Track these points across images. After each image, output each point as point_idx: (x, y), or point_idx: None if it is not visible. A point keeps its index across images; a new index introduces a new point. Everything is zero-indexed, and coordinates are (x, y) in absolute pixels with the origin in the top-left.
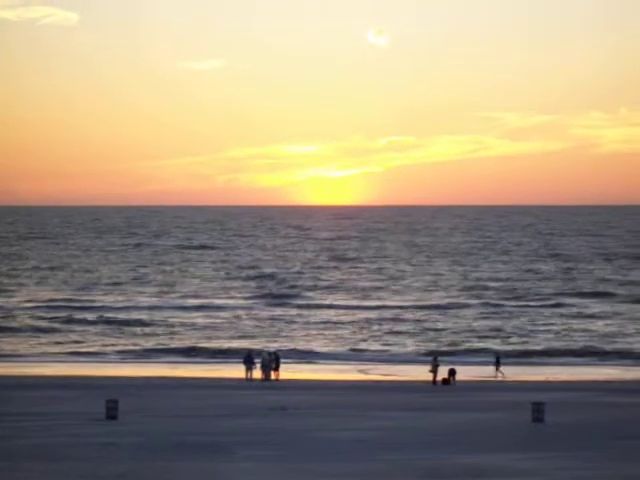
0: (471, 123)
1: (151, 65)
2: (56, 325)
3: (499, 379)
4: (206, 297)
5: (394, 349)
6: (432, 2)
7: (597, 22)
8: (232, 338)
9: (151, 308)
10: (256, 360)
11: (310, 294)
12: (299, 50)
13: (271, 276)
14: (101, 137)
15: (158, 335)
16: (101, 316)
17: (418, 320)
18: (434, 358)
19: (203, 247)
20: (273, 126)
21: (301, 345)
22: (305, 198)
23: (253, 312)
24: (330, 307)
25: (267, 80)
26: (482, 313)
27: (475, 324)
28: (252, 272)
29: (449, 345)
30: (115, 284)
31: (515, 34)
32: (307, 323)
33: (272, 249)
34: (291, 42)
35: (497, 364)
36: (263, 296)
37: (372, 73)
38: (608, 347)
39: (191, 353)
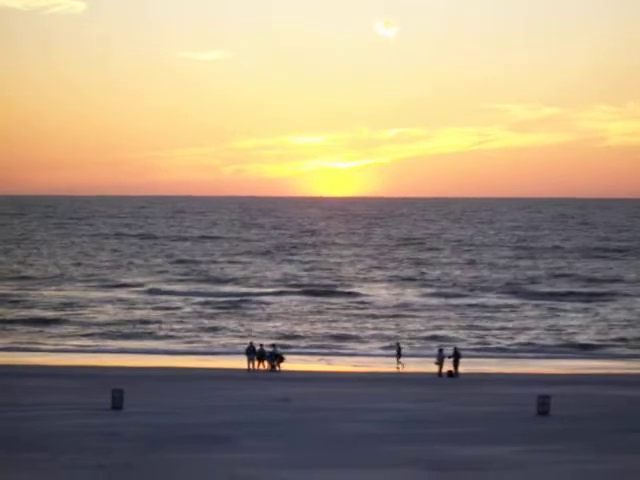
0: (478, 115)
1: (158, 55)
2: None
3: (400, 370)
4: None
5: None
6: None
7: (606, 15)
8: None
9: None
10: (258, 351)
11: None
12: (306, 41)
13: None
14: (107, 127)
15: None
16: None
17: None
18: (439, 350)
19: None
20: (280, 117)
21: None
22: (312, 189)
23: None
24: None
25: (274, 71)
26: (474, 308)
27: (472, 318)
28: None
29: (447, 337)
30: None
31: (523, 26)
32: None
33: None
34: (298, 33)
35: (398, 355)
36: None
37: (379, 65)
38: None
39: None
